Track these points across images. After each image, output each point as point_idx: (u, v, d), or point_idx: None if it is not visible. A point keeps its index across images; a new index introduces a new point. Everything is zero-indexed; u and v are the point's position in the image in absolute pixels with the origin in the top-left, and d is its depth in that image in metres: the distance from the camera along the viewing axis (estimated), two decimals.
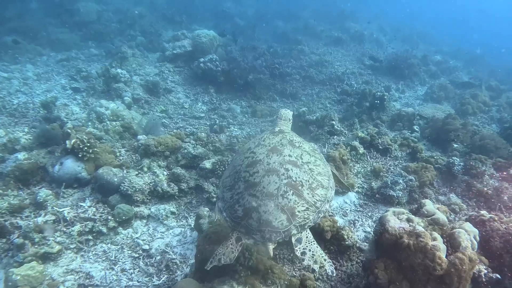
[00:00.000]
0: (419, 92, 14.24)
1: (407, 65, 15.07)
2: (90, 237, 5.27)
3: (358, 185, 6.76)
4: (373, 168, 7.04)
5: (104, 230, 5.36)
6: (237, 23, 20.17)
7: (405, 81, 14.82)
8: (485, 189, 6.60)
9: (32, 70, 11.06)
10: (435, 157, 7.39)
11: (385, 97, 10.30)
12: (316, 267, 3.20)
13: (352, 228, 5.58)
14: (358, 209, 6.21)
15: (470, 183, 6.78)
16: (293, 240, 3.30)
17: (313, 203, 3.43)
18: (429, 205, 4.39)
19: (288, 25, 21.15)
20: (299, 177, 3.53)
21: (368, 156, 7.48)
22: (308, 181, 3.56)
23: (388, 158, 7.60)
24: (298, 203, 3.36)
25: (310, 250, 3.28)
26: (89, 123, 7.79)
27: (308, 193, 3.46)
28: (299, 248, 3.28)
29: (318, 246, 3.33)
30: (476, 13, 39.77)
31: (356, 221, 5.87)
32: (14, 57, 11.72)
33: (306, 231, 3.39)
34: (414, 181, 6.39)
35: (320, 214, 3.48)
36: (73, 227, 5.25)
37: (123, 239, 5.45)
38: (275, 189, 3.38)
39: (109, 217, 5.50)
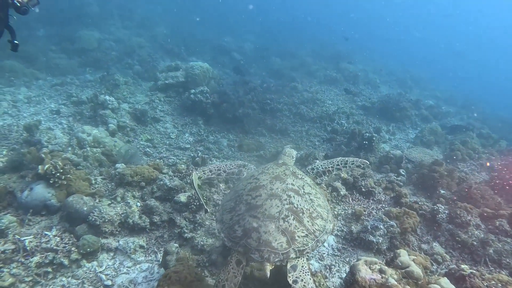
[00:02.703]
0: (410, 135, 14.25)
1: (398, 108, 15.23)
2: (49, 269, 4.93)
3: (338, 228, 6.51)
4: (354, 211, 6.81)
5: (66, 262, 5.04)
6: (234, 57, 20.63)
7: (397, 123, 14.92)
8: (470, 240, 6.34)
9: (24, 93, 11.03)
10: (419, 203, 7.18)
11: (374, 138, 10.25)
12: None
13: (327, 274, 5.32)
14: (336, 254, 5.93)
15: (454, 233, 6.51)
16: (288, 266, 3.30)
17: (312, 231, 3.49)
18: (403, 256, 4.17)
19: (285, 62, 21.62)
20: (300, 205, 3.62)
21: (350, 198, 7.27)
22: (309, 210, 3.65)
23: (371, 201, 7.39)
24: (298, 228, 3.41)
25: (302, 280, 3.25)
26: (69, 149, 7.63)
27: (308, 221, 3.54)
28: (292, 275, 3.25)
29: (312, 278, 3.32)
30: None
31: (333, 266, 5.59)
32: (9, 80, 11.74)
33: (303, 260, 3.39)
34: (396, 227, 6.15)
35: (318, 243, 3.50)
36: (32, 258, 4.92)
37: (85, 272, 5.12)
38: (277, 212, 3.44)
39: (73, 249, 5.19)
